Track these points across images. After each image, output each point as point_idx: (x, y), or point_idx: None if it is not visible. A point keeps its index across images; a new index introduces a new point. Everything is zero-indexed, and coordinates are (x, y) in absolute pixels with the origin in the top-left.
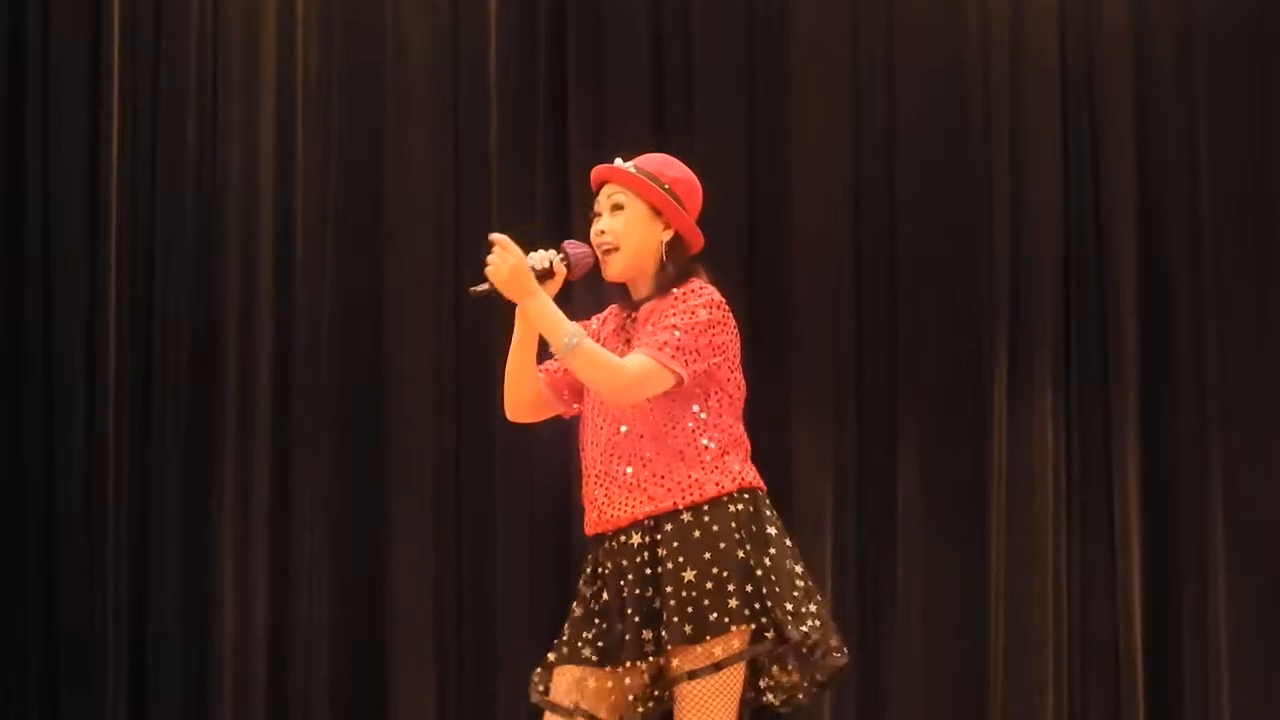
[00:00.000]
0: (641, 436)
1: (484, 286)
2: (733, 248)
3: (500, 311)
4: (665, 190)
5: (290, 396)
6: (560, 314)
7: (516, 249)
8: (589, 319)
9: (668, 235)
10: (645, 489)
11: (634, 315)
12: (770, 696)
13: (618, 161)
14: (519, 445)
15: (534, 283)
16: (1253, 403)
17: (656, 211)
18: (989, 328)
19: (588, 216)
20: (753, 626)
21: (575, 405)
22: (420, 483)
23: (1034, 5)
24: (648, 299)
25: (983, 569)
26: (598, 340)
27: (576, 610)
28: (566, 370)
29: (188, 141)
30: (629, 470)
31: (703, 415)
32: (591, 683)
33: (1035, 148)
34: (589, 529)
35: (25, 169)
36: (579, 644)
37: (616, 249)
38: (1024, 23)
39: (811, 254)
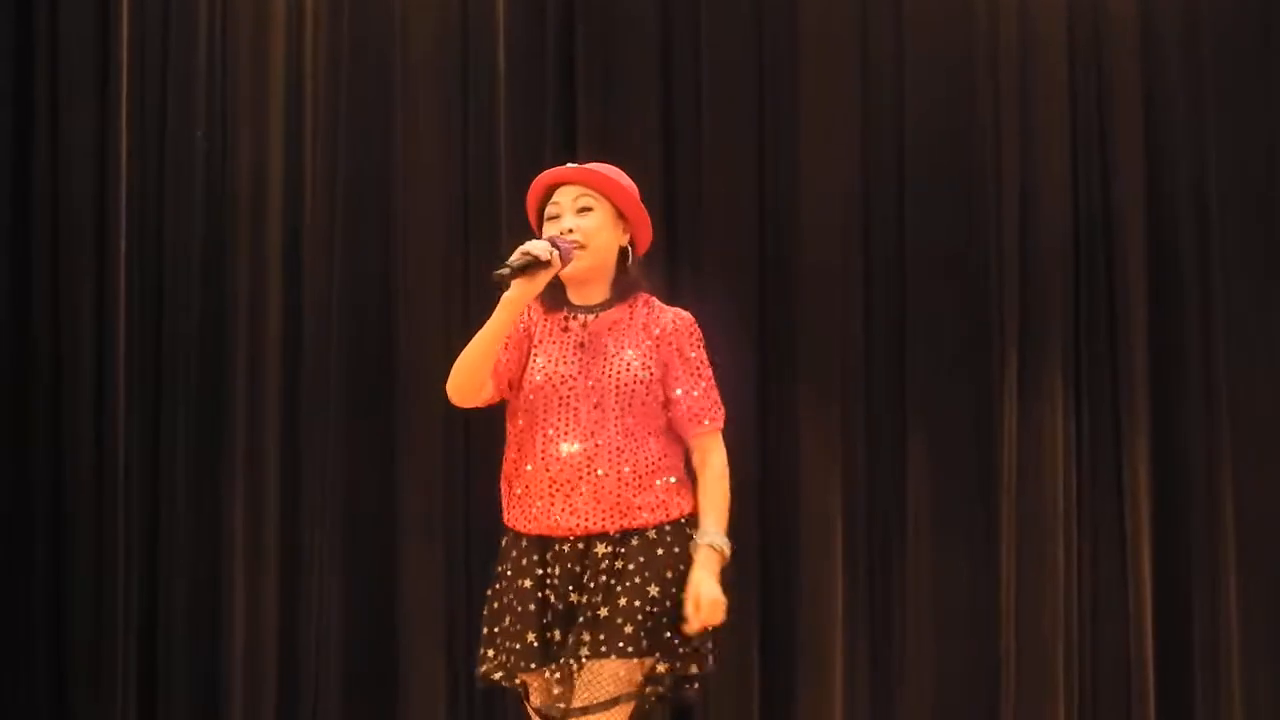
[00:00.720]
0: (619, 450)
1: (505, 270)
2: (742, 247)
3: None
4: (633, 197)
5: (299, 396)
6: (710, 560)
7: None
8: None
9: (625, 239)
10: (618, 501)
11: (584, 320)
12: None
13: (579, 165)
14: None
15: (713, 567)
16: (1264, 401)
17: (620, 216)
18: (998, 327)
19: (536, 217)
20: (685, 650)
21: (499, 397)
22: (431, 481)
23: (1041, 3)
24: (603, 305)
25: (993, 571)
26: (531, 338)
27: (524, 605)
28: (511, 360)
29: (195, 140)
30: (605, 478)
31: (665, 437)
32: (558, 689)
33: (1044, 145)
34: (535, 528)
35: (33, 167)
36: (539, 645)
37: (583, 247)
38: (1032, 20)
39: (821, 254)
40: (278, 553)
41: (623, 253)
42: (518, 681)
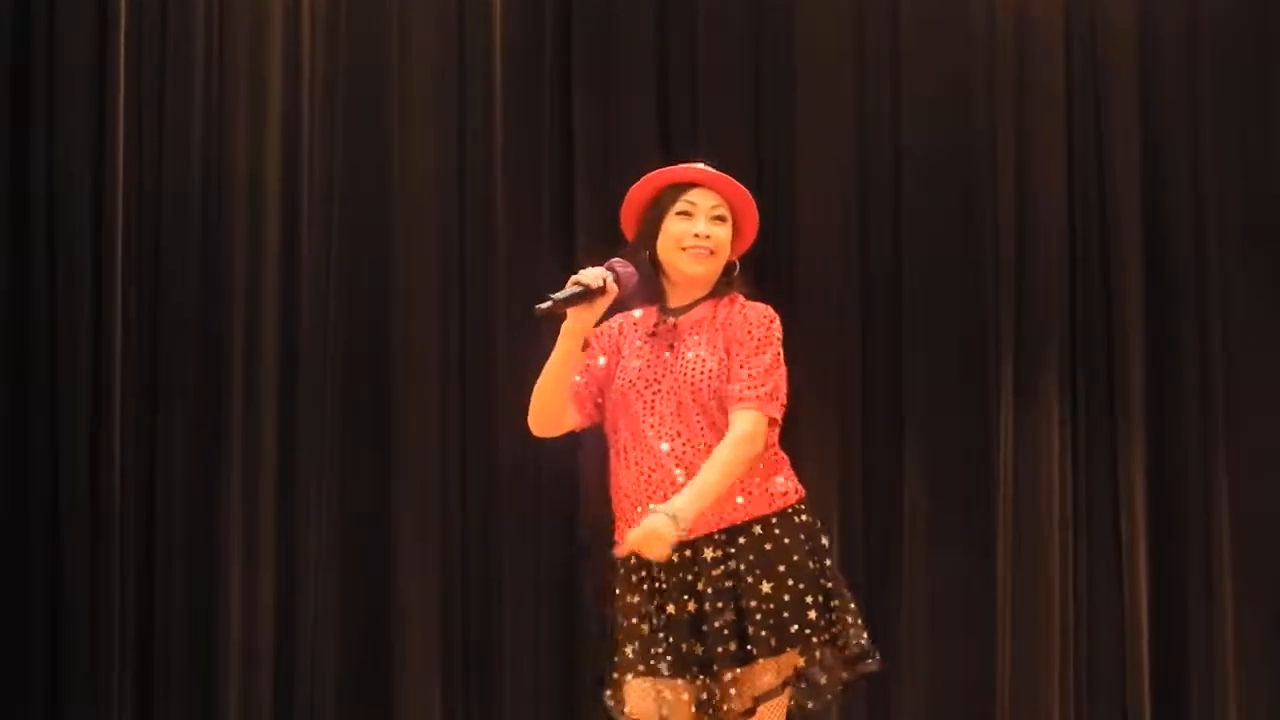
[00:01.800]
0: (707, 447)
1: (547, 304)
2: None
3: (503, 309)
4: (757, 221)
5: (296, 393)
6: (662, 521)
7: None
8: (596, 329)
9: (734, 257)
10: (716, 503)
11: (674, 322)
12: (805, 700)
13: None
14: (525, 443)
15: (675, 509)
16: (1259, 405)
17: (736, 234)
18: (994, 331)
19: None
20: (825, 638)
21: (589, 422)
22: (426, 482)
23: (1038, 6)
24: (690, 306)
25: (989, 573)
26: (618, 350)
27: (638, 625)
28: (589, 383)
29: (193, 139)
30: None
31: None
32: (669, 695)
33: (1040, 150)
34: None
35: (30, 165)
36: (651, 660)
37: (713, 254)
38: (1029, 23)
39: (817, 257)
40: (274, 552)
41: (729, 266)
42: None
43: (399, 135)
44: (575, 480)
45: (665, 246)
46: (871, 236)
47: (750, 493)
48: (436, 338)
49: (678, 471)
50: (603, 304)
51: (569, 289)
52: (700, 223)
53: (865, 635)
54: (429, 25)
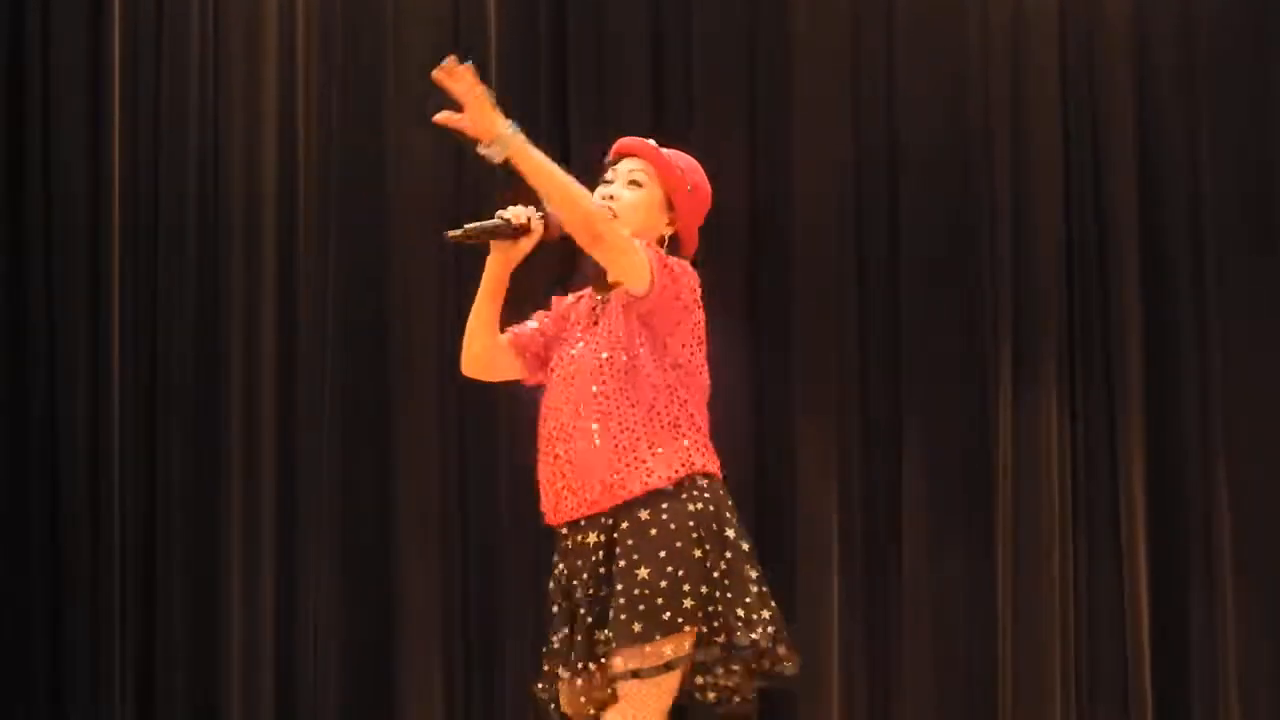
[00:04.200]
0: (605, 403)
1: (459, 231)
2: (734, 248)
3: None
4: (687, 189)
5: (295, 395)
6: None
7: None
8: (564, 294)
9: (669, 231)
10: (604, 462)
11: (603, 299)
12: (709, 695)
13: (652, 141)
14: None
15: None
16: (1257, 398)
17: (669, 204)
18: (992, 326)
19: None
20: (703, 629)
21: (538, 375)
22: (426, 488)
23: (1034, 5)
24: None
25: (989, 567)
26: (566, 321)
27: (547, 610)
28: (534, 336)
29: (189, 140)
30: (591, 442)
31: (665, 391)
32: (565, 688)
33: (1037, 147)
34: (548, 519)
35: (26, 166)
36: (559, 644)
37: (616, 216)
38: (1024, 23)
39: (814, 253)
40: (274, 555)
41: (661, 243)
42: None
43: (395, 135)
44: None
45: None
46: (868, 235)
47: (636, 468)
48: (435, 338)
49: (572, 452)
50: (527, 244)
51: (490, 220)
52: (614, 187)
53: (761, 631)
54: (423, 25)
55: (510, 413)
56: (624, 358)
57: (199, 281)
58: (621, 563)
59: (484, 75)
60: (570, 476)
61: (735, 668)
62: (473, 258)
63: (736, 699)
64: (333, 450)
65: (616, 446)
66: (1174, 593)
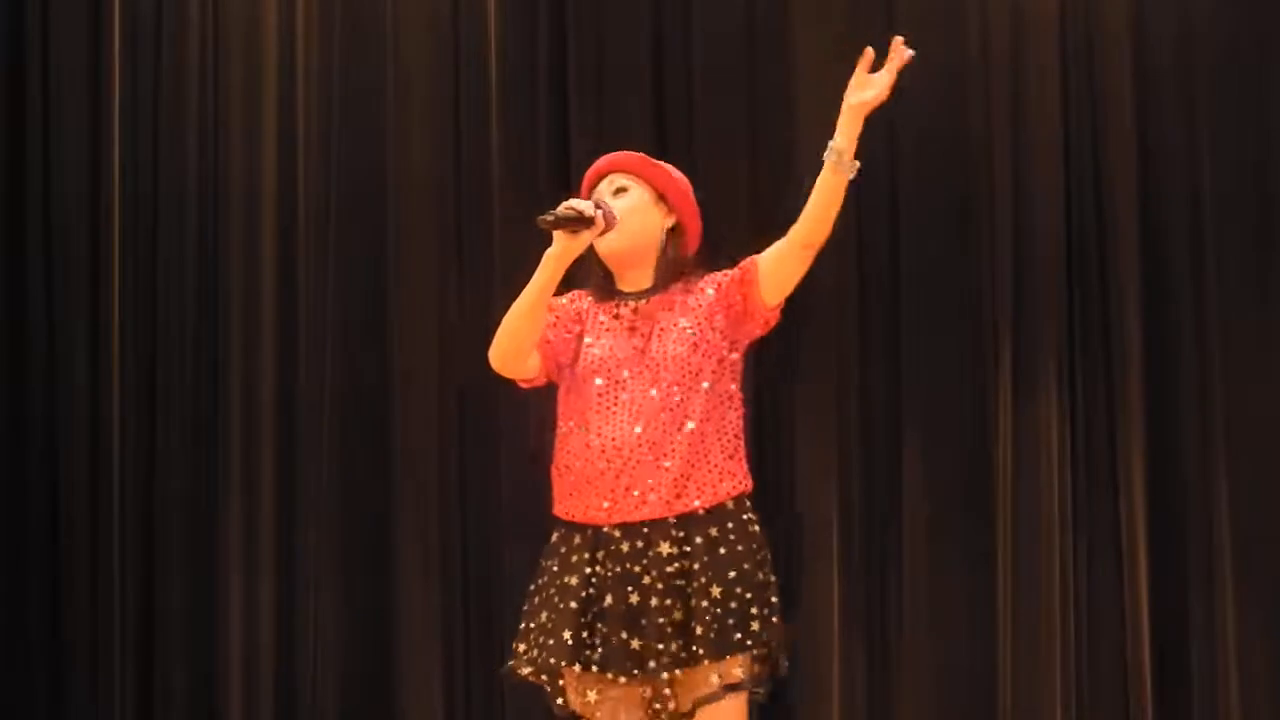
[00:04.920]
0: (672, 432)
1: (550, 217)
2: (734, 249)
3: (501, 311)
4: (672, 177)
5: (295, 399)
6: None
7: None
8: (558, 298)
9: (669, 222)
10: (669, 486)
11: (636, 306)
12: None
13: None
14: (524, 446)
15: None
16: (1258, 402)
17: (660, 197)
18: (992, 326)
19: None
20: (763, 651)
21: (545, 379)
22: (426, 488)
23: (1034, 8)
24: (651, 291)
25: (989, 571)
26: (580, 323)
27: (564, 602)
28: (555, 342)
29: (188, 143)
30: (657, 461)
31: (730, 403)
32: (593, 693)
33: (1036, 149)
34: (581, 516)
35: (26, 169)
36: (578, 645)
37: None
38: (1024, 25)
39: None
40: (273, 558)
41: (667, 236)
42: (544, 678)
43: (395, 139)
44: None
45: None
46: (868, 238)
47: (707, 480)
48: (435, 338)
49: (647, 455)
50: (586, 237)
51: (564, 209)
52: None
53: (785, 660)
54: (423, 29)
55: (510, 413)
56: (711, 365)
57: (199, 281)
58: (701, 579)
59: (484, 75)
60: (638, 481)
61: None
62: (472, 259)
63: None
64: (333, 450)
65: (694, 452)
66: (1174, 593)
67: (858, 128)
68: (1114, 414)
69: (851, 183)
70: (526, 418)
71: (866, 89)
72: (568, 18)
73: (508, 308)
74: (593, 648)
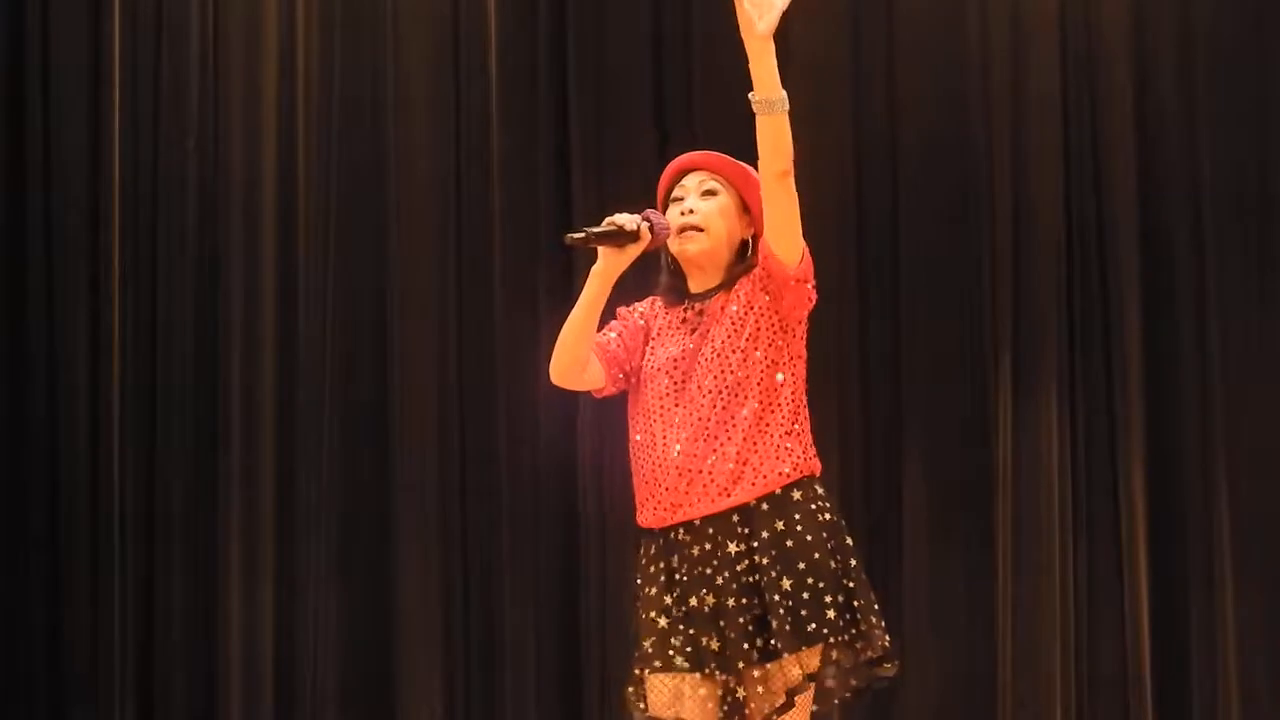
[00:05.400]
0: (734, 418)
1: (581, 235)
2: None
3: (499, 312)
4: (759, 191)
5: (295, 402)
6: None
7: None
8: (629, 306)
9: (749, 233)
10: (729, 482)
11: (701, 308)
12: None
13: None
14: (524, 446)
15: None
16: (1257, 403)
17: (745, 207)
18: (992, 326)
19: (653, 197)
20: (844, 638)
21: (614, 388)
22: (425, 487)
23: (1034, 8)
24: (714, 290)
25: (989, 573)
26: (648, 330)
27: (657, 619)
28: (620, 348)
29: (189, 143)
30: (717, 462)
31: (790, 386)
32: (687, 690)
33: (1037, 151)
34: (654, 521)
35: (26, 170)
36: (669, 652)
37: (702, 230)
38: (1023, 25)
39: (813, 253)
40: (274, 556)
41: (744, 245)
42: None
43: (395, 138)
44: (574, 480)
45: (671, 237)
46: (869, 238)
47: (767, 458)
48: (435, 340)
49: (701, 448)
50: (633, 251)
51: (603, 226)
52: (690, 200)
53: (888, 639)
54: (423, 24)
55: (510, 413)
56: (758, 354)
57: (199, 281)
58: (771, 573)
59: (484, 75)
60: (696, 479)
61: (846, 672)
62: (472, 259)
63: (835, 700)
64: (333, 450)
65: (748, 439)
66: (1174, 593)
67: (772, 58)
68: (1114, 414)
69: (849, 190)
70: (526, 418)
71: (765, 11)
72: (568, 18)
73: (508, 308)
74: (677, 650)
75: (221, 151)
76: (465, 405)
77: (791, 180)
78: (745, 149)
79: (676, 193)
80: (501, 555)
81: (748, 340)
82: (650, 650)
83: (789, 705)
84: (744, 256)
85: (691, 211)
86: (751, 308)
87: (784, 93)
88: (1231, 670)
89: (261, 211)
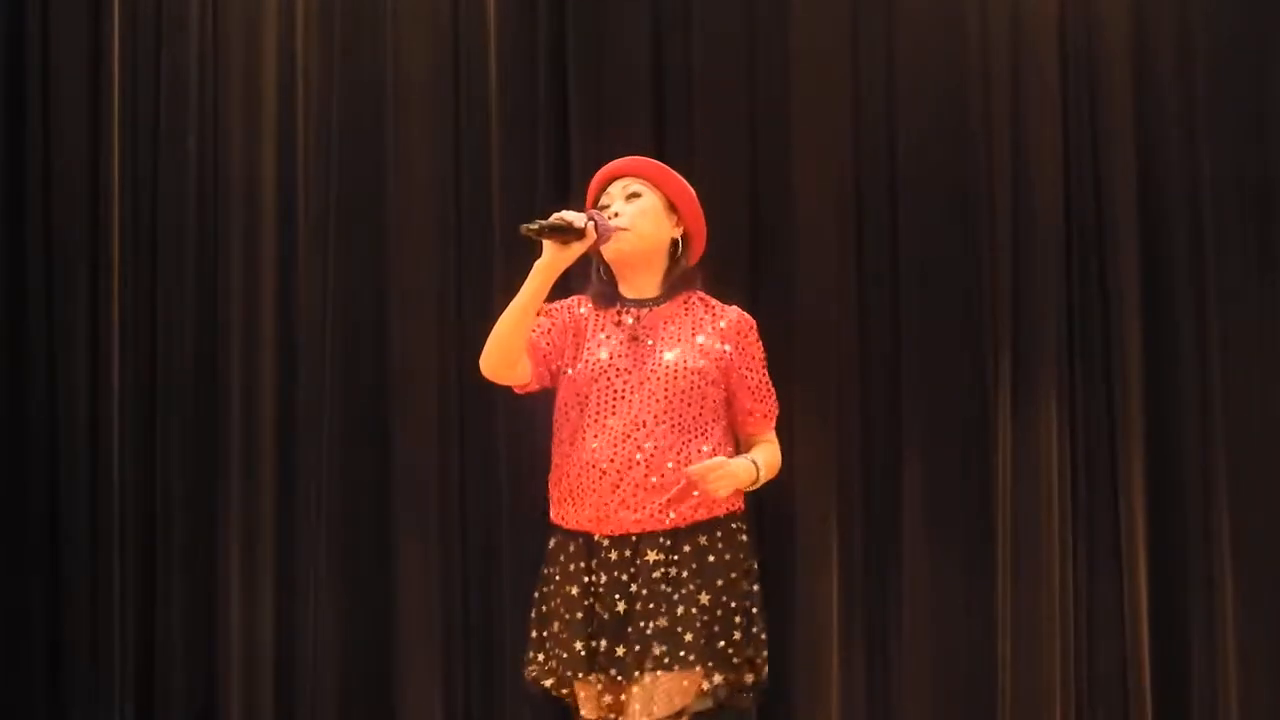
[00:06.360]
0: (669, 445)
1: (535, 225)
2: (733, 255)
3: (499, 312)
4: (684, 187)
5: (294, 404)
6: (742, 463)
7: (733, 471)
8: (556, 303)
9: (678, 232)
10: (663, 497)
11: (637, 314)
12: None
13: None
14: (524, 447)
15: (735, 468)
16: (1258, 406)
17: (671, 207)
18: (992, 326)
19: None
20: (740, 660)
21: (538, 385)
22: (426, 489)
23: (1034, 8)
24: (656, 300)
25: (989, 578)
26: (578, 329)
27: (570, 612)
28: (550, 345)
29: (189, 143)
30: (651, 473)
31: (716, 432)
32: (609, 697)
33: (1036, 151)
34: (576, 524)
35: (26, 169)
36: (590, 654)
37: (627, 230)
38: (1023, 26)
39: (813, 261)
40: (274, 555)
41: (674, 246)
42: (565, 692)
43: (395, 139)
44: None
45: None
46: (868, 239)
47: (702, 494)
48: (434, 339)
49: (640, 468)
50: (578, 248)
51: (553, 220)
52: (615, 205)
53: (765, 672)
54: (423, 24)
55: (509, 413)
56: (700, 387)
57: (199, 281)
58: (689, 587)
59: (484, 77)
60: (633, 491)
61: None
62: (472, 259)
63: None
64: (333, 451)
65: (675, 485)
66: (1174, 593)
67: (749, 481)
68: (1114, 415)
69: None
70: (526, 418)
71: (714, 485)
72: (567, 18)
73: (507, 308)
74: (605, 655)
75: (221, 151)
76: (465, 405)
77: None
78: (744, 148)
79: (603, 200)
80: (501, 555)
81: (707, 378)
82: (583, 654)
83: (676, 717)
84: (675, 256)
85: (617, 214)
86: (711, 354)
87: (760, 472)
88: (1231, 670)
89: (261, 211)
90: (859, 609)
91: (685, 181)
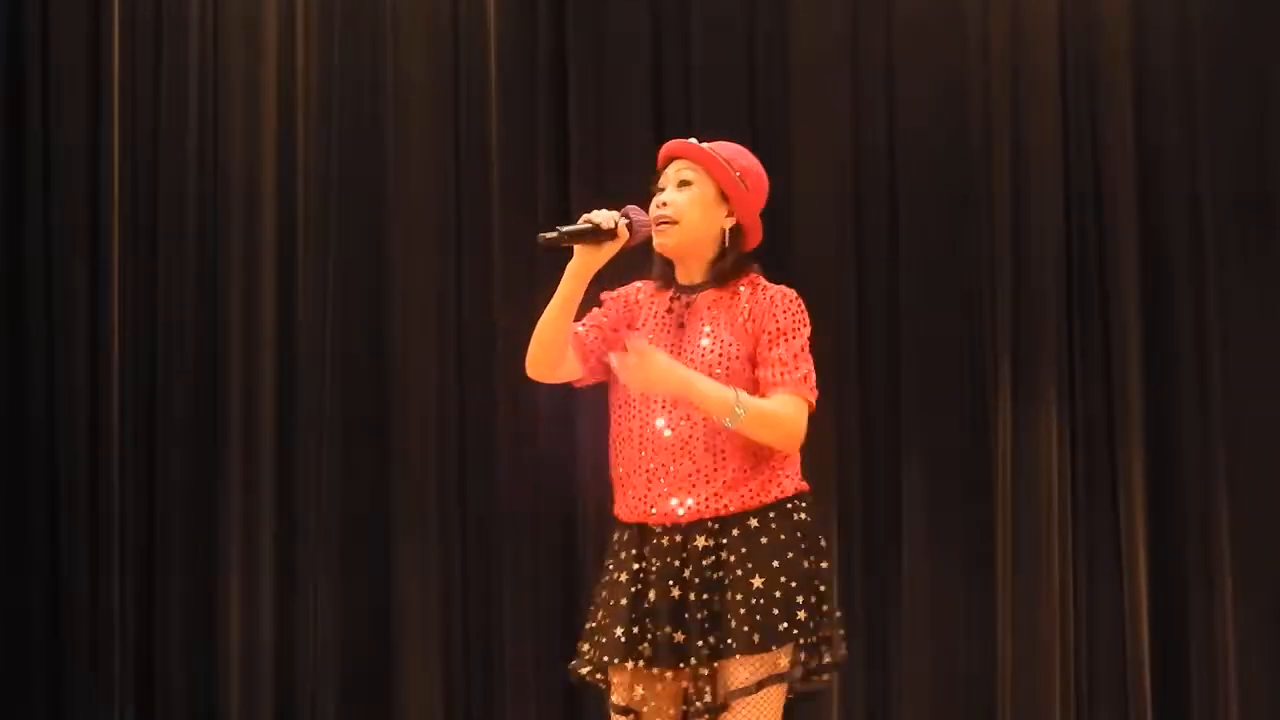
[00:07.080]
0: (714, 431)
1: (553, 234)
2: None
3: (500, 310)
4: (736, 177)
5: (294, 400)
6: (712, 383)
7: (659, 357)
8: (614, 291)
9: (730, 223)
10: (713, 486)
11: (687, 300)
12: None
13: (692, 140)
14: (524, 445)
15: (681, 371)
16: (1257, 405)
17: (724, 196)
18: (992, 327)
19: (649, 190)
20: (811, 640)
21: (592, 379)
22: (425, 489)
23: (1034, 8)
24: (702, 286)
25: (989, 568)
26: (633, 319)
27: (615, 599)
28: (598, 339)
29: (188, 143)
30: (699, 460)
31: None
32: (643, 686)
33: (1036, 152)
34: (630, 515)
35: (26, 170)
36: (630, 641)
37: (675, 223)
38: (1023, 27)
39: (813, 259)
40: (273, 556)
41: (724, 234)
42: (599, 677)
43: (394, 137)
44: (574, 479)
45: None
46: (868, 236)
47: (752, 480)
48: (434, 339)
49: (683, 457)
50: (610, 248)
51: (578, 224)
52: (666, 193)
53: (845, 649)
54: (423, 24)
55: (510, 413)
56: (735, 372)
57: (199, 281)
58: (738, 571)
59: (484, 77)
60: (677, 478)
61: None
62: (472, 259)
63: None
64: (333, 452)
65: (746, 453)
66: (1174, 593)
67: (693, 391)
68: (1113, 415)
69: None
70: (525, 418)
71: (632, 374)
72: (567, 18)
73: (506, 307)
74: (643, 643)
75: (221, 151)
76: (465, 405)
77: (799, 433)
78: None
79: (660, 183)
80: (501, 555)
81: (737, 360)
82: (623, 640)
83: (723, 708)
84: (728, 245)
85: (665, 205)
86: (745, 336)
87: (736, 408)
88: (1231, 670)
89: (261, 211)
90: (859, 606)
91: (744, 165)
